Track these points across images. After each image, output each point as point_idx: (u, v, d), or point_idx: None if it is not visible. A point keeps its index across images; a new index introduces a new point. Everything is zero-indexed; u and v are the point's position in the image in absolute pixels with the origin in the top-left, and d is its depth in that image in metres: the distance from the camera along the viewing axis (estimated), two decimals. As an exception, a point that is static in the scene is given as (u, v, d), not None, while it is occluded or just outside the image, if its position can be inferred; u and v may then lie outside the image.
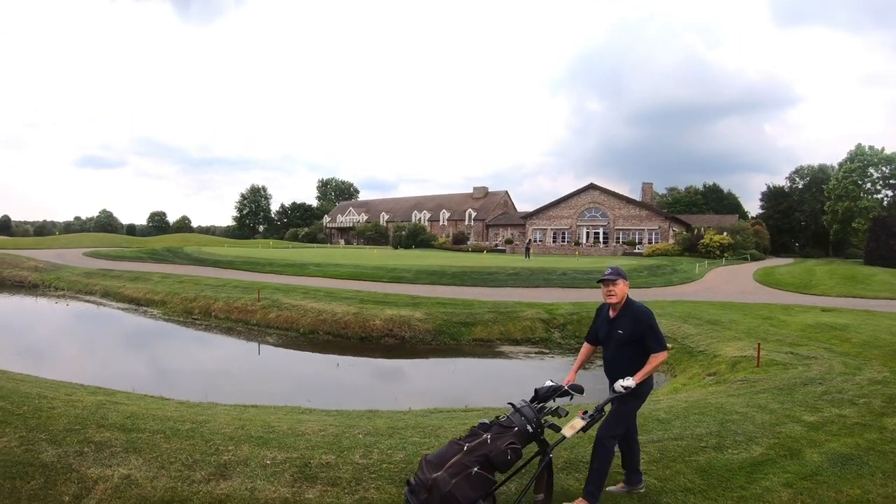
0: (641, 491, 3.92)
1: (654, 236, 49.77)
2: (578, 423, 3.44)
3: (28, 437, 4.43)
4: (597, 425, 3.66)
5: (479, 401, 8.68)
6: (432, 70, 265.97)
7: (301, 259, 32.96)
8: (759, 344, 9.81)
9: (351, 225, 78.70)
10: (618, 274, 3.79)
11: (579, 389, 3.64)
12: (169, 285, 22.85)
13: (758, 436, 5.14)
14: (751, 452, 4.71)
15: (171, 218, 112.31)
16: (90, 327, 18.49)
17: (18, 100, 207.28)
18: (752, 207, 76.37)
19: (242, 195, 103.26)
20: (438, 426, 5.58)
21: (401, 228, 61.95)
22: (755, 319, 14.16)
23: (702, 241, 42.17)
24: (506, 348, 14.07)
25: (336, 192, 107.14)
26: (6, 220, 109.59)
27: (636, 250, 47.78)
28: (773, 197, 68.40)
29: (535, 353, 13.67)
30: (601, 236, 52.72)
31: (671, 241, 47.76)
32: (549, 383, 3.68)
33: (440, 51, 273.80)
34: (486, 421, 3.50)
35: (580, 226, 53.85)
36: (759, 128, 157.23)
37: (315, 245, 66.87)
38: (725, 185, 77.49)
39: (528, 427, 3.33)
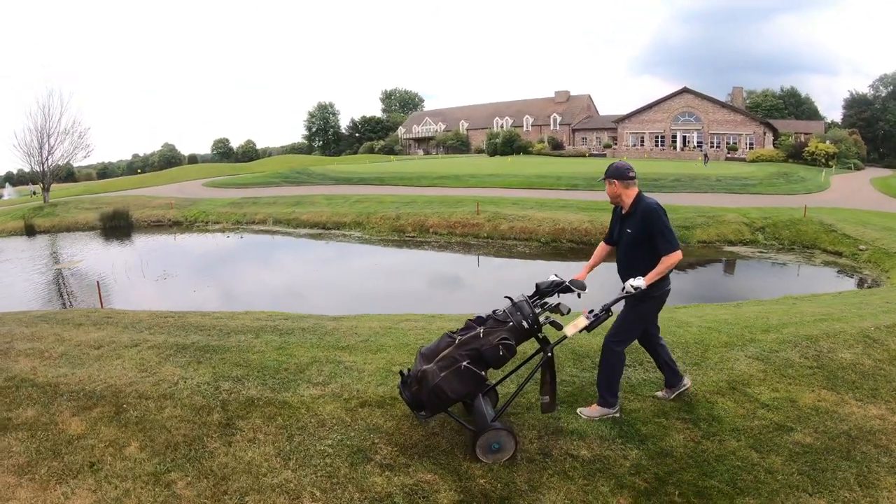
0: (686, 389, 3.81)
1: (749, 141, 50.19)
2: (582, 321, 3.28)
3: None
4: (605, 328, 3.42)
5: (755, 294, 10.27)
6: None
7: (442, 171, 33.75)
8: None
9: (430, 135, 78.24)
10: (610, 174, 3.63)
11: (581, 286, 3.42)
12: (349, 206, 22.56)
13: None
14: None
15: (234, 144, 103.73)
16: (332, 258, 17.48)
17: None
18: (825, 112, 74.64)
19: (310, 113, 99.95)
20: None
21: (494, 136, 62.08)
22: (916, 226, 15.77)
23: (806, 148, 42.39)
24: (730, 248, 15.61)
25: (401, 103, 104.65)
26: (68, 167, 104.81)
27: (738, 155, 48.31)
28: (855, 105, 66.21)
29: (758, 252, 15.29)
30: (694, 140, 53.44)
31: (768, 146, 48.11)
32: (552, 278, 3.47)
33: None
34: (483, 315, 3.34)
35: (675, 129, 54.31)
36: (815, 26, 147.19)
37: (409, 157, 67.64)
38: (783, 86, 75.36)
39: (524, 323, 3.16)
